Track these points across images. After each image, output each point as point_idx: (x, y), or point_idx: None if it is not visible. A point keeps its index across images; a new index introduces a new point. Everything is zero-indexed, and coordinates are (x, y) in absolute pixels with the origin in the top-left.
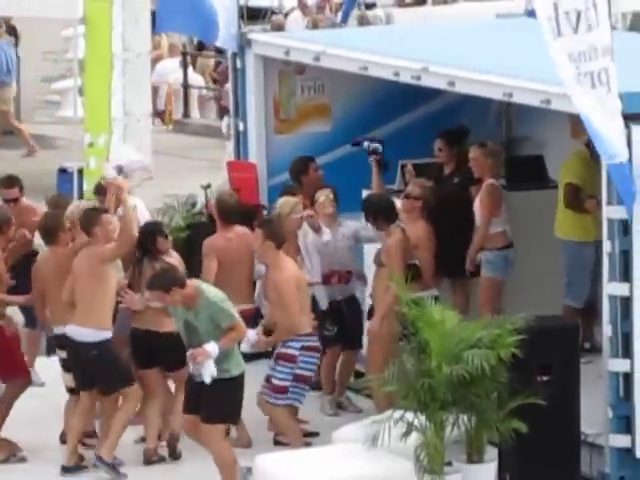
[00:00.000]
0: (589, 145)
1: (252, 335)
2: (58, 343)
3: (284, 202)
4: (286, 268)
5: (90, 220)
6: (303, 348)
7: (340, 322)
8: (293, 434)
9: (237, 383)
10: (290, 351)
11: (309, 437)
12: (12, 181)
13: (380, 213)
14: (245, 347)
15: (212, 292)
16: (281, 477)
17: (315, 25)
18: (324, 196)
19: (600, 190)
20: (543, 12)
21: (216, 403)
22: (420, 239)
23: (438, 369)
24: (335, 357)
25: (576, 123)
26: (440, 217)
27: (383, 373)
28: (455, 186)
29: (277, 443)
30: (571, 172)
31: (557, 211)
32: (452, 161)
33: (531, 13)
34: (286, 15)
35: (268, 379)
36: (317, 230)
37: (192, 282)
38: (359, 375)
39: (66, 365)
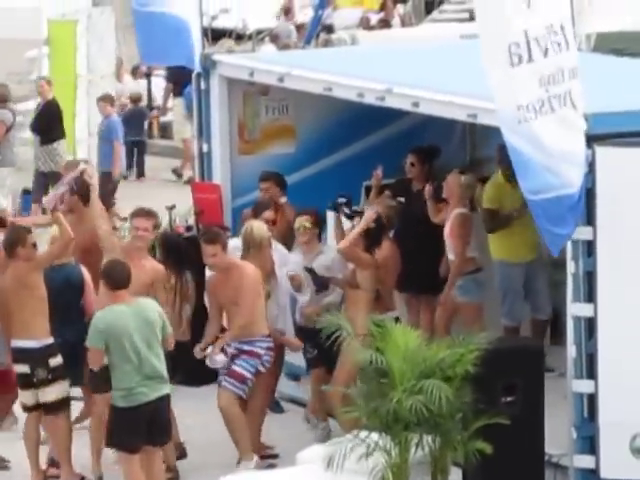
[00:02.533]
0: (503, 168)
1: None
2: (17, 357)
3: (259, 228)
4: (246, 268)
5: (13, 240)
6: (268, 348)
7: (319, 345)
8: (242, 428)
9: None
10: (256, 350)
11: (271, 458)
12: None
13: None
14: (209, 361)
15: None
16: None
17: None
18: (299, 223)
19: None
20: (508, 39)
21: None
22: (385, 259)
23: (401, 401)
24: (318, 379)
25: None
26: (409, 234)
27: (347, 395)
28: (424, 203)
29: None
30: (486, 198)
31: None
32: (422, 178)
33: None
34: (250, 37)
35: (229, 371)
36: (298, 290)
37: None
38: None
39: (24, 382)
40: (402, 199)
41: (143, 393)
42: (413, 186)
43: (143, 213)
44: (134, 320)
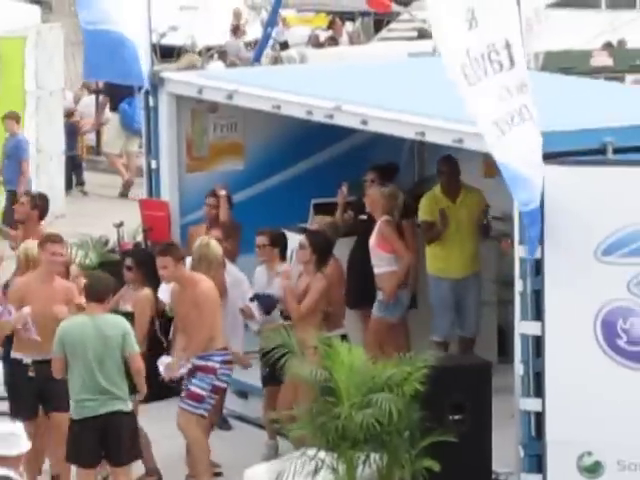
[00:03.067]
0: (441, 181)
1: (165, 358)
2: None
3: (215, 246)
4: (203, 282)
5: None
6: (223, 362)
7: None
8: (201, 449)
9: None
10: (210, 364)
11: (217, 476)
12: None
13: (320, 253)
14: (163, 371)
15: None
16: None
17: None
18: (258, 242)
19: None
20: (459, 60)
21: None
22: (332, 276)
23: (349, 416)
24: (271, 396)
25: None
26: (356, 249)
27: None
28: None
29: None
30: (422, 211)
31: None
32: None
33: None
34: (199, 53)
35: (186, 391)
36: (250, 318)
37: None
38: None
39: None
40: (364, 216)
41: (90, 407)
42: None
43: (57, 239)
44: (92, 334)
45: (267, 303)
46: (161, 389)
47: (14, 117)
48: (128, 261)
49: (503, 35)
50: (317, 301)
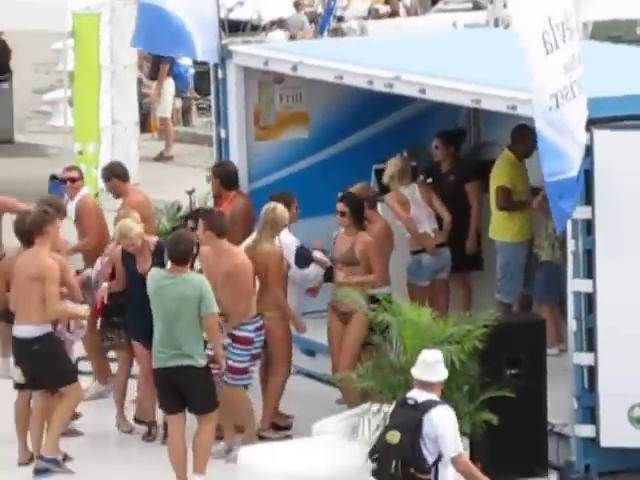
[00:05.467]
0: (512, 148)
1: None
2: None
3: (281, 212)
4: (238, 254)
5: (42, 222)
6: (257, 329)
7: None
8: (250, 415)
9: None
10: (245, 334)
11: (285, 430)
12: None
13: (354, 214)
14: None
15: None
16: (264, 468)
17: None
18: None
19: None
20: (535, 27)
21: None
22: (379, 233)
23: (412, 364)
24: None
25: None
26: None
27: (354, 369)
28: (452, 183)
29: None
30: (500, 176)
31: (492, 214)
32: (448, 160)
33: (495, 23)
34: (264, 28)
35: (228, 367)
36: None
37: None
38: None
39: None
40: (431, 179)
41: (160, 359)
42: (441, 167)
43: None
44: (171, 292)
45: (303, 257)
46: None
47: None
48: (191, 223)
49: (567, 3)
50: (381, 257)
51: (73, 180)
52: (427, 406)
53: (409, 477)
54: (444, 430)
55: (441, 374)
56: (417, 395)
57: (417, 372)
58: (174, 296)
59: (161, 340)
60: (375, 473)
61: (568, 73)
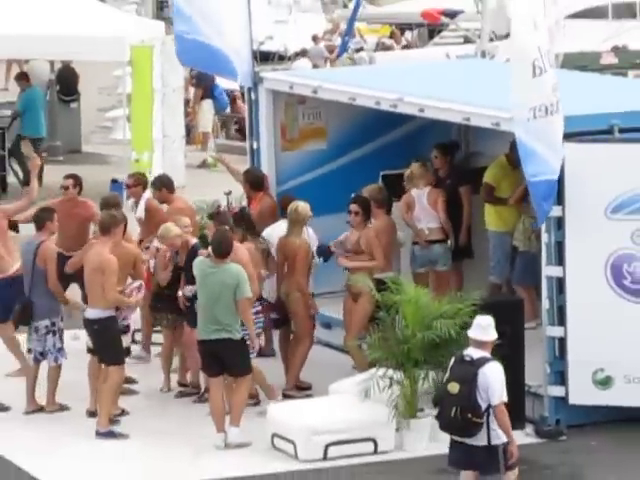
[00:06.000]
0: (508, 155)
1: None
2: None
3: (302, 210)
4: (238, 248)
5: (110, 224)
6: (256, 312)
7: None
8: (264, 381)
9: None
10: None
11: (306, 390)
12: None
13: (366, 210)
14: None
15: None
16: (289, 421)
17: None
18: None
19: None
20: (532, 56)
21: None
22: (382, 228)
23: (413, 335)
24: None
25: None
26: None
27: (363, 340)
28: (448, 186)
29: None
30: (487, 175)
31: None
32: (445, 167)
33: (483, 54)
34: (289, 58)
35: None
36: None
37: None
38: None
39: None
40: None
41: (204, 332)
42: (439, 173)
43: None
44: (215, 279)
45: (323, 252)
46: None
47: None
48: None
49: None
50: (381, 247)
51: (128, 186)
52: (481, 362)
53: (466, 421)
54: (494, 381)
55: (493, 335)
56: (472, 353)
57: (473, 333)
58: (217, 282)
59: (205, 317)
60: (438, 417)
61: (555, 92)
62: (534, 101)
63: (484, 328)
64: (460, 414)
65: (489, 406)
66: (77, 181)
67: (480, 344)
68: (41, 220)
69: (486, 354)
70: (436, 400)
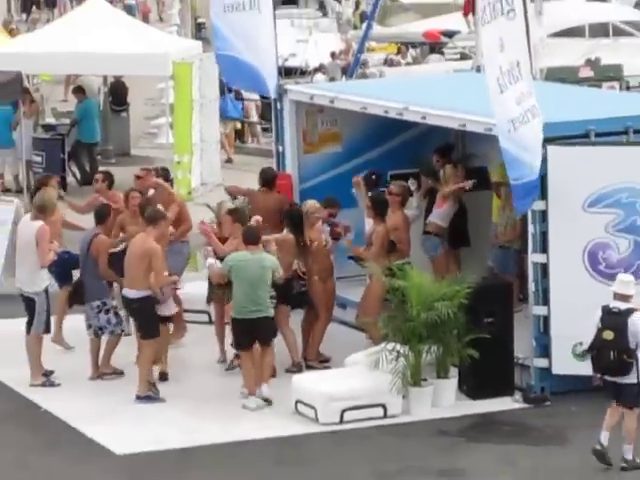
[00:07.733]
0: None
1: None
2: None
3: (311, 206)
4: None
5: (156, 218)
6: None
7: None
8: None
9: None
10: None
11: (325, 362)
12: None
13: (379, 209)
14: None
15: None
16: (313, 388)
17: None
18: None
19: None
20: (495, 74)
21: None
22: (399, 223)
23: (417, 315)
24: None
25: None
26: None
27: (377, 319)
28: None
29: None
30: (497, 174)
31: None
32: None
33: (477, 69)
34: (310, 72)
35: None
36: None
37: None
38: None
39: None
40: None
41: (246, 311)
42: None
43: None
44: (253, 264)
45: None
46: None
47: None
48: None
49: (516, 57)
50: (381, 243)
51: (138, 177)
52: (628, 312)
53: (622, 362)
54: None
55: (633, 289)
56: (619, 304)
57: (617, 288)
58: (257, 266)
59: (245, 299)
60: (594, 361)
61: (520, 104)
62: (509, 114)
63: (627, 283)
64: (617, 356)
65: (636, 348)
66: (106, 177)
67: (624, 297)
68: (102, 216)
69: (630, 305)
70: (592, 348)
